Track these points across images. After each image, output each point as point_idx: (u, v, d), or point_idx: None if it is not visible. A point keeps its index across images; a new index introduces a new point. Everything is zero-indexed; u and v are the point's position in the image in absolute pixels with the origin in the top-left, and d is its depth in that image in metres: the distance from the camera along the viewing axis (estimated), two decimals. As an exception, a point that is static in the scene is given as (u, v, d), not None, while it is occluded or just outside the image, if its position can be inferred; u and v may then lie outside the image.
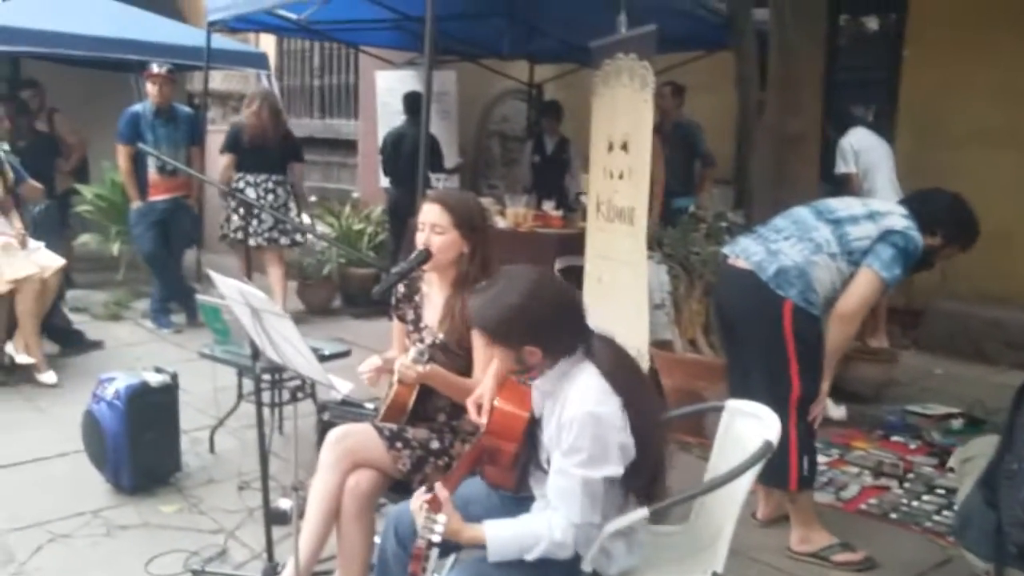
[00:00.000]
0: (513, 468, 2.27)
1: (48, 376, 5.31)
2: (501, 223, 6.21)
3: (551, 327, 2.13)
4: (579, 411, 2.08)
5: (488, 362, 2.65)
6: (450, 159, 8.50)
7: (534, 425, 2.29)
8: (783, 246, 3.22)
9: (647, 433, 2.15)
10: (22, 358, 5.28)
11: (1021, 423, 2.55)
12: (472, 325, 2.23)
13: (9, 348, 5.33)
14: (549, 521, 2.09)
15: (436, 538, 2.00)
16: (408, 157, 7.38)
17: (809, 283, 3.15)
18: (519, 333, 2.12)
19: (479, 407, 2.42)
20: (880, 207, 3.27)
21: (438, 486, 2.08)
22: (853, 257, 3.15)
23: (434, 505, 2.03)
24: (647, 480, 2.19)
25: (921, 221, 3.20)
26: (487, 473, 2.21)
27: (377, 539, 2.54)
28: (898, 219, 3.17)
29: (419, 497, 2.06)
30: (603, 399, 2.11)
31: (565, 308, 2.18)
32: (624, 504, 2.19)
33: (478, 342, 2.70)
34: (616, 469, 2.11)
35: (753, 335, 3.27)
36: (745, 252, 3.30)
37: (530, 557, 2.09)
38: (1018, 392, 2.61)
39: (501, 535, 2.11)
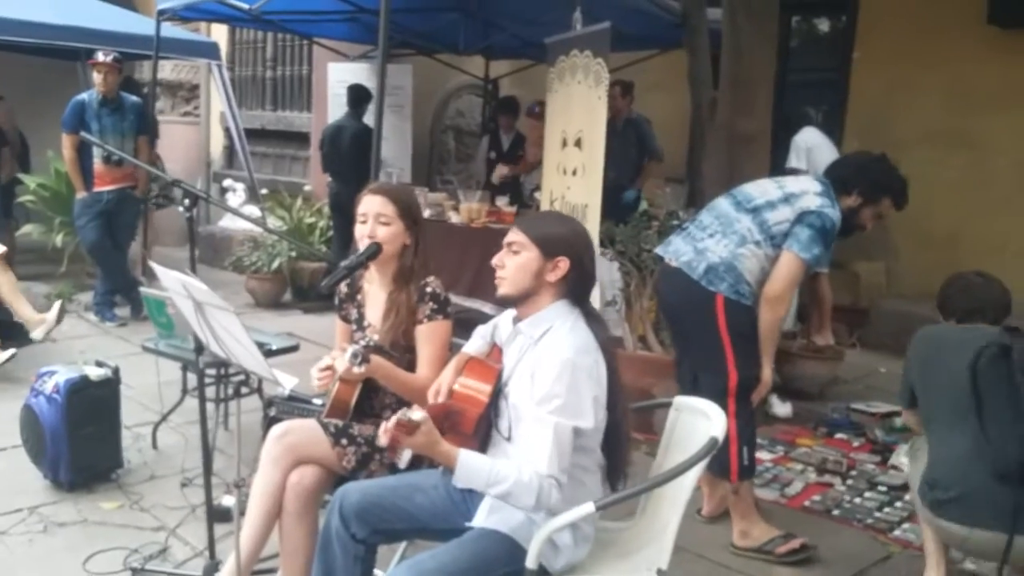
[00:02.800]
0: (475, 435, 2.27)
1: (3, 354, 5.12)
2: (455, 218, 6.19)
3: (584, 252, 2.29)
4: (558, 358, 2.14)
5: (436, 359, 2.64)
6: (403, 154, 8.45)
7: (499, 395, 2.30)
8: (709, 244, 3.32)
9: (618, 400, 2.25)
10: None
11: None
12: (518, 229, 2.30)
13: None
14: (519, 466, 2.10)
15: (417, 416, 2.00)
16: (347, 151, 7.32)
17: (739, 275, 3.25)
18: (558, 243, 2.25)
19: (438, 394, 2.41)
20: (795, 188, 3.33)
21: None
22: (775, 241, 3.24)
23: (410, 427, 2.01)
24: (615, 448, 2.28)
25: (836, 186, 3.31)
26: (447, 440, 2.19)
27: (321, 536, 2.51)
28: (812, 198, 3.25)
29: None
30: (585, 350, 2.19)
31: (594, 257, 2.37)
32: (585, 475, 2.25)
33: (424, 340, 2.68)
34: (586, 422, 2.15)
35: (692, 330, 3.38)
36: (676, 253, 3.41)
37: (493, 492, 2.08)
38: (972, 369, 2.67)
39: (472, 461, 2.11)
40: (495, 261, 2.32)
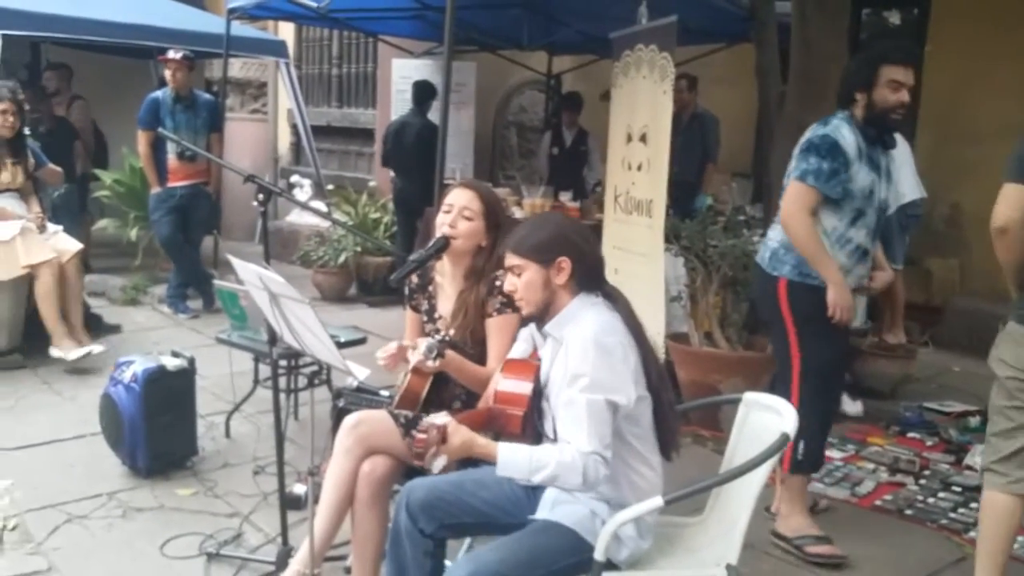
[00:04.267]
0: (523, 436, 2.29)
1: (77, 352, 5.24)
2: (518, 213, 6.21)
3: (579, 241, 2.30)
4: (581, 338, 2.16)
5: (505, 351, 2.66)
6: (465, 150, 8.47)
7: (540, 396, 2.31)
8: (771, 233, 3.36)
9: (652, 372, 2.25)
10: (54, 352, 5.24)
11: None
12: (507, 251, 2.30)
13: (55, 352, 5.26)
14: (559, 448, 2.12)
15: (440, 420, 2.05)
16: (411, 147, 7.37)
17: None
18: (550, 246, 2.26)
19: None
20: (804, 137, 3.28)
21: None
22: None
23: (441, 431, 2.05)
24: (662, 420, 2.28)
25: (843, 104, 3.26)
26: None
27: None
28: (803, 140, 3.25)
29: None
30: (608, 330, 2.20)
31: (591, 239, 2.36)
32: (634, 452, 2.26)
33: (494, 332, 2.71)
34: (620, 397, 2.15)
35: (768, 320, 3.39)
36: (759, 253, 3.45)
37: (538, 478, 2.09)
38: None
39: (513, 449, 2.13)
40: (507, 288, 2.34)
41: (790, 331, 3.23)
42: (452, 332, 2.66)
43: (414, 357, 2.52)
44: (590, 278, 2.30)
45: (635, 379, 2.21)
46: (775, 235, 3.32)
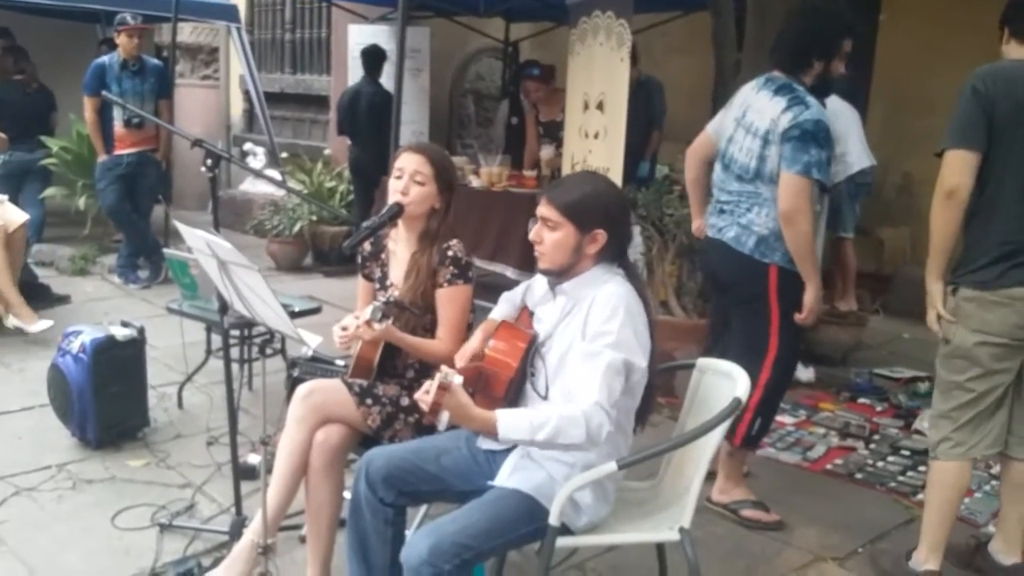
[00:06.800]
0: (504, 399, 2.28)
1: (39, 324, 5.15)
2: (475, 183, 6.16)
3: (620, 216, 2.28)
4: (614, 296, 2.18)
5: (455, 323, 2.65)
6: (421, 118, 8.37)
7: (535, 354, 2.31)
8: (753, 218, 3.19)
9: (653, 350, 2.26)
10: (11, 321, 5.16)
11: None
12: (549, 203, 2.25)
13: (13, 322, 5.15)
14: (559, 406, 2.13)
15: (457, 379, 2.02)
16: (365, 115, 7.28)
17: None
18: (592, 214, 2.23)
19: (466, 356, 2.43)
20: (765, 124, 3.11)
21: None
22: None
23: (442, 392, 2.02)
24: (646, 397, 2.31)
25: (798, 72, 3.15)
26: (477, 402, 2.20)
27: (347, 494, 2.53)
28: (784, 119, 3.05)
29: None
30: (634, 300, 2.22)
31: (628, 213, 2.37)
32: (626, 423, 2.29)
33: (444, 303, 2.68)
34: (639, 360, 2.17)
35: (742, 296, 3.30)
36: (719, 228, 3.30)
37: (541, 436, 2.07)
38: None
39: (512, 412, 2.12)
40: (532, 236, 2.30)
41: (774, 317, 3.19)
42: (399, 292, 2.64)
43: (362, 317, 2.50)
44: (617, 251, 2.30)
45: (648, 348, 2.23)
46: (762, 221, 3.16)
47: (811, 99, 3.10)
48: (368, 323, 2.46)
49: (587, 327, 2.19)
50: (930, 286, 2.85)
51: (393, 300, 2.59)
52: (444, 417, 2.05)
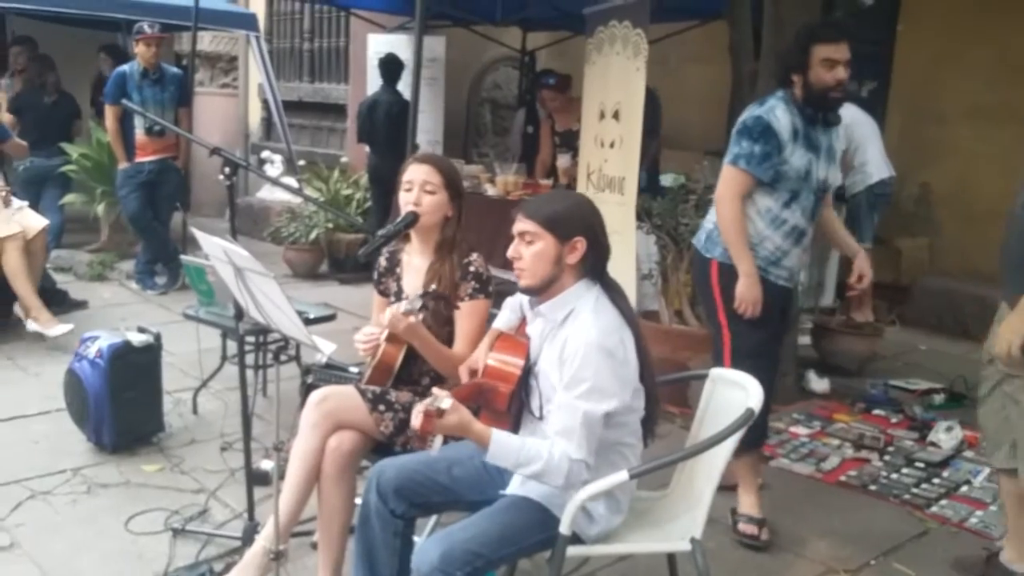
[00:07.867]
0: (508, 412, 2.28)
1: (58, 328, 5.17)
2: (491, 191, 6.18)
3: (596, 225, 2.27)
4: (583, 341, 2.12)
5: (473, 336, 2.66)
6: (436, 127, 8.40)
7: (528, 373, 2.30)
8: (709, 215, 3.36)
9: (647, 367, 2.25)
10: (31, 326, 5.20)
11: None
12: (525, 217, 2.24)
13: (33, 326, 5.19)
14: (550, 446, 2.11)
15: (445, 404, 2.01)
16: (382, 124, 7.31)
17: None
18: (570, 223, 2.22)
19: (472, 372, 2.43)
20: (740, 118, 3.23)
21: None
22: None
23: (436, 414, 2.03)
24: (649, 413, 2.29)
25: (782, 84, 3.19)
26: (482, 418, 2.21)
27: (358, 500, 2.54)
28: (743, 117, 3.21)
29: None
30: (610, 329, 2.17)
31: (602, 220, 2.32)
32: (627, 451, 2.27)
33: (464, 317, 2.70)
34: (614, 404, 2.14)
35: (699, 292, 3.44)
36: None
37: (524, 472, 2.09)
38: None
39: (505, 439, 2.12)
40: (511, 253, 2.27)
41: (720, 312, 3.24)
42: (434, 286, 2.70)
43: (393, 310, 2.53)
44: (597, 266, 2.27)
45: (633, 375, 2.21)
46: (711, 217, 3.31)
47: (773, 102, 3.15)
48: (406, 314, 2.48)
49: (563, 367, 2.15)
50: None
51: (431, 291, 2.61)
52: (437, 443, 2.06)
